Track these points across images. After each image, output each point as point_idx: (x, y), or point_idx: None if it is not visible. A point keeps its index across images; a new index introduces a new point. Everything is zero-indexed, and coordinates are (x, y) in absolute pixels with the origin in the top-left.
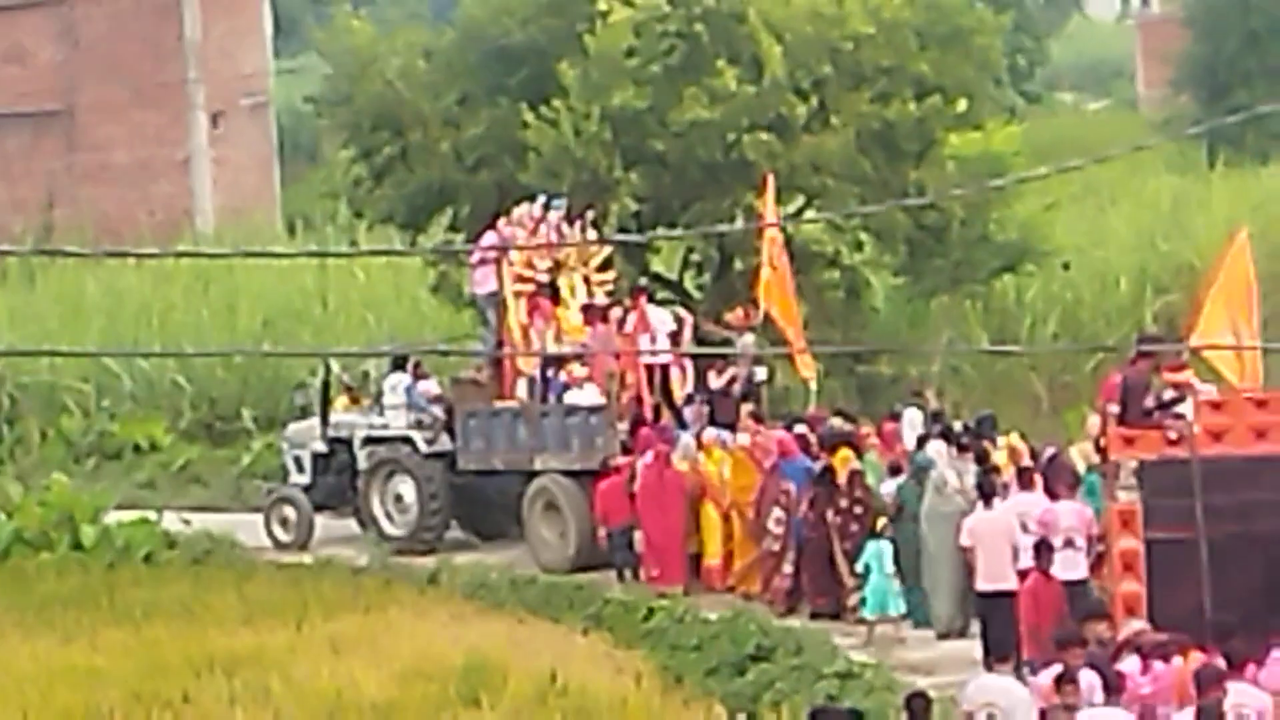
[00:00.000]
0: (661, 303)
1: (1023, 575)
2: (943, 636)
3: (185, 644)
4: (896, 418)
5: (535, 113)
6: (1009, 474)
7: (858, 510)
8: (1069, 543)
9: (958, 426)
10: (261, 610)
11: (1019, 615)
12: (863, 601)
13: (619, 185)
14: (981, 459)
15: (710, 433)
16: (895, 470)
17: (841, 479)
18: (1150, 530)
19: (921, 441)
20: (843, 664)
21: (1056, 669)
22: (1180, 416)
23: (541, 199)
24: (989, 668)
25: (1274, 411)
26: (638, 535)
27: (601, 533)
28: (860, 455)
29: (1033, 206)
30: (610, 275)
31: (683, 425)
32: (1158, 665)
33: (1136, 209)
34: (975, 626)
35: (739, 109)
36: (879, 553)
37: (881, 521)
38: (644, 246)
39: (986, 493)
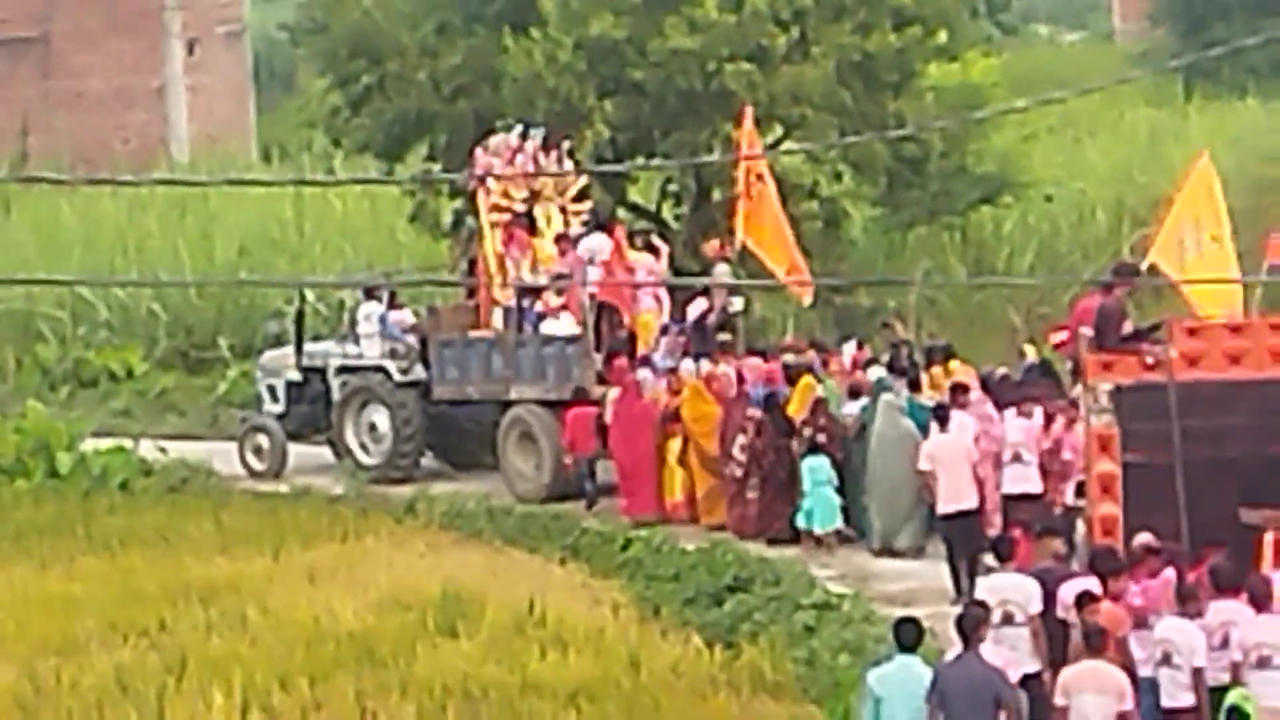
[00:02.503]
0: (639, 233)
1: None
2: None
3: (162, 572)
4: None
5: (510, 42)
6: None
7: (821, 438)
8: (1016, 457)
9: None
10: (238, 539)
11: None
12: (805, 516)
13: (593, 114)
14: (915, 385)
15: (686, 365)
16: (855, 393)
17: (802, 408)
18: (1127, 454)
19: (867, 366)
20: (820, 595)
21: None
22: (1158, 342)
23: (519, 128)
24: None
25: (1248, 337)
26: (600, 465)
27: (568, 461)
28: (822, 383)
29: (1010, 138)
30: (586, 205)
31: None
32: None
33: (1113, 141)
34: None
35: (719, 38)
36: (818, 468)
37: (821, 439)
38: (621, 176)
39: (941, 416)
